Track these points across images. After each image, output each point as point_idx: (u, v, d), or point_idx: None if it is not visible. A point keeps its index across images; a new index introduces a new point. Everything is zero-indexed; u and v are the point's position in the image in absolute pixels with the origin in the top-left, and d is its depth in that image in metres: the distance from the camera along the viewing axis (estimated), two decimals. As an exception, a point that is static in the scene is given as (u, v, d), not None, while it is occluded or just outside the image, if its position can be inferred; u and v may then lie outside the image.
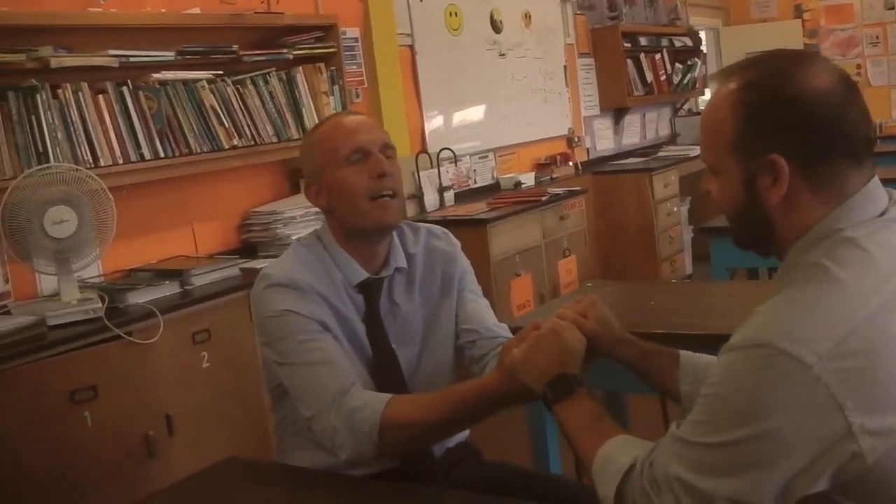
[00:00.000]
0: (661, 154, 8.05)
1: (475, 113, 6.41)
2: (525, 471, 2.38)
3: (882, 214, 1.42)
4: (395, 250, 2.22)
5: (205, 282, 3.74)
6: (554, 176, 6.84)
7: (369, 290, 2.16)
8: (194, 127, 3.96)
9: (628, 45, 8.02)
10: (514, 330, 2.15)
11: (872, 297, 1.32)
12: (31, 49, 3.43)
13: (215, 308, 3.63)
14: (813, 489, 1.30)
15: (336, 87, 4.66)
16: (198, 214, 4.30)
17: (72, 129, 3.53)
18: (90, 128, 3.60)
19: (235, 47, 4.20)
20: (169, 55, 3.91)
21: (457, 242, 2.36)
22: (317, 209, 4.26)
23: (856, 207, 1.42)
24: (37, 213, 3.17)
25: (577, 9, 7.73)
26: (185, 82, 3.99)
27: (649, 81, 8.24)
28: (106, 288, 3.51)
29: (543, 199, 5.69)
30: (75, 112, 3.56)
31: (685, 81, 8.82)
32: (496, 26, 6.64)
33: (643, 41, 8.29)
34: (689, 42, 9.09)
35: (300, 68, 4.52)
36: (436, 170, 5.75)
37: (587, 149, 7.75)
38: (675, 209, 7.38)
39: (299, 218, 4.38)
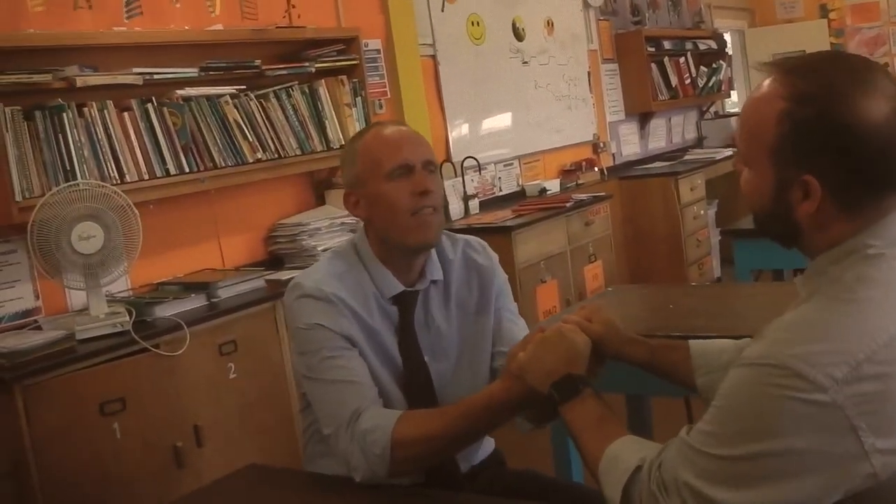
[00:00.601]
0: (687, 157, 8.03)
1: (499, 121, 6.43)
2: (548, 479, 2.38)
3: None
4: (432, 262, 2.20)
5: (231, 294, 3.79)
6: (580, 182, 6.84)
7: (404, 303, 2.14)
8: (218, 141, 4.01)
9: (652, 49, 8.02)
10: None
11: (892, 321, 1.30)
12: (57, 69, 3.49)
13: (242, 320, 3.67)
14: (825, 503, 1.30)
15: (359, 99, 4.70)
16: (224, 228, 4.35)
17: (98, 146, 3.59)
18: (116, 145, 3.65)
19: (258, 62, 4.25)
20: (192, 71, 3.97)
21: (494, 256, 2.33)
22: (344, 219, 4.40)
23: (889, 227, 1.38)
24: (65, 230, 3.23)
25: (600, 14, 7.74)
26: (208, 98, 4.04)
27: (674, 85, 8.23)
28: (134, 302, 3.56)
29: (568, 205, 5.70)
30: (101, 130, 3.61)
31: (710, 84, 8.79)
32: (518, 34, 6.66)
33: (667, 45, 8.29)
34: (713, 45, 9.08)
35: (322, 81, 4.56)
36: (460, 178, 5.78)
37: (613, 154, 7.75)
38: (702, 212, 7.36)
39: (325, 229, 4.42)
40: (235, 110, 4.11)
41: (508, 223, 5.24)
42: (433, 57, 5.84)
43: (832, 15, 10.66)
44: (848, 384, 1.25)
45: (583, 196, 6.02)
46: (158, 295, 3.71)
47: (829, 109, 1.34)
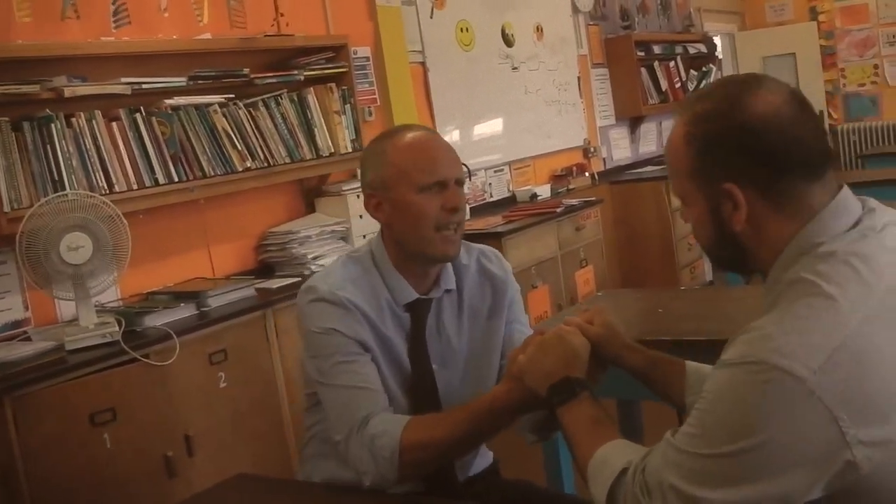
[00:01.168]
0: (678, 161, 8.01)
1: (489, 127, 6.44)
2: (543, 490, 2.40)
3: (857, 224, 1.44)
4: (447, 271, 2.19)
5: (221, 303, 3.78)
6: (570, 187, 6.85)
7: (417, 310, 2.14)
8: (207, 150, 4.01)
9: (642, 53, 8.04)
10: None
11: (858, 309, 1.34)
12: (45, 79, 3.48)
13: (232, 329, 3.67)
14: (808, 498, 1.32)
15: (348, 107, 4.70)
16: (214, 237, 4.34)
17: (86, 156, 3.59)
18: (104, 155, 3.65)
19: (247, 71, 4.25)
20: (181, 81, 3.97)
21: (508, 267, 2.33)
22: (334, 227, 4.39)
23: (829, 220, 1.44)
24: (53, 241, 3.23)
25: (590, 19, 7.75)
26: (197, 107, 4.04)
27: (664, 89, 8.25)
28: (123, 311, 3.56)
29: (558, 210, 5.71)
30: (89, 140, 3.61)
31: (701, 88, 8.79)
32: (508, 40, 6.67)
33: (657, 49, 8.31)
34: (703, 48, 9.09)
35: (311, 89, 4.57)
36: (451, 184, 5.76)
37: (603, 159, 7.76)
38: (694, 216, 7.35)
39: (315, 237, 4.42)
40: (224, 119, 4.11)
41: (499, 229, 5.25)
42: (422, 63, 5.85)
43: (822, 17, 10.70)
44: (825, 373, 1.28)
45: (574, 201, 6.03)
46: (148, 304, 3.70)
47: (725, 117, 1.45)
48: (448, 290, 2.19)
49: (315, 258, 4.33)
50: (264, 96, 4.35)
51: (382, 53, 5.37)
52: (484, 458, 2.36)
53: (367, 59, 5.29)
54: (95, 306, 3.43)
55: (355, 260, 2.16)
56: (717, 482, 1.34)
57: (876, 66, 10.51)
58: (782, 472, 1.30)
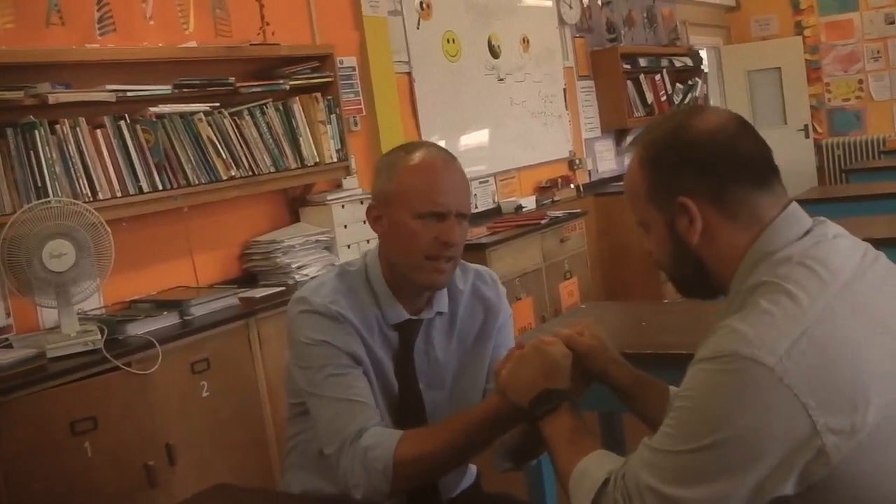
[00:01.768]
0: (663, 174, 8.05)
1: (475, 138, 6.45)
2: (523, 503, 2.40)
3: (808, 232, 1.51)
4: (440, 294, 2.16)
5: (204, 312, 3.77)
6: (556, 199, 6.87)
7: (407, 330, 2.12)
8: (192, 159, 4.00)
9: (628, 66, 8.07)
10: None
11: (818, 301, 1.39)
12: (28, 86, 3.47)
13: (215, 338, 3.66)
14: (781, 491, 1.35)
15: (333, 116, 4.70)
16: (197, 245, 4.33)
17: (70, 163, 3.58)
18: (88, 162, 3.64)
19: (232, 79, 4.25)
20: (166, 89, 3.96)
21: (503, 290, 2.30)
22: (318, 236, 4.39)
23: (782, 229, 1.51)
24: (35, 248, 3.21)
25: (576, 32, 7.78)
26: (182, 115, 4.03)
27: (650, 102, 8.29)
28: (106, 320, 3.54)
29: (543, 222, 5.73)
30: (73, 147, 3.60)
31: (686, 101, 8.85)
32: (494, 51, 6.69)
33: (643, 62, 8.35)
34: (689, 62, 9.14)
35: (297, 98, 4.57)
36: (436, 195, 5.76)
37: (589, 171, 7.79)
38: (678, 228, 7.38)
39: (299, 246, 4.41)
40: (209, 127, 4.10)
41: (483, 240, 5.26)
42: (408, 74, 5.86)
43: (807, 32, 10.77)
44: (790, 358, 1.33)
45: (558, 213, 6.05)
46: (131, 313, 3.69)
47: (673, 137, 1.56)
48: (440, 313, 2.16)
49: (299, 267, 4.32)
50: (249, 105, 4.35)
51: (368, 63, 5.37)
52: (468, 477, 2.36)
53: (353, 68, 5.29)
54: (78, 314, 3.41)
55: (349, 274, 2.13)
56: (693, 479, 1.36)
57: (860, 81, 10.59)
58: (755, 464, 1.33)
